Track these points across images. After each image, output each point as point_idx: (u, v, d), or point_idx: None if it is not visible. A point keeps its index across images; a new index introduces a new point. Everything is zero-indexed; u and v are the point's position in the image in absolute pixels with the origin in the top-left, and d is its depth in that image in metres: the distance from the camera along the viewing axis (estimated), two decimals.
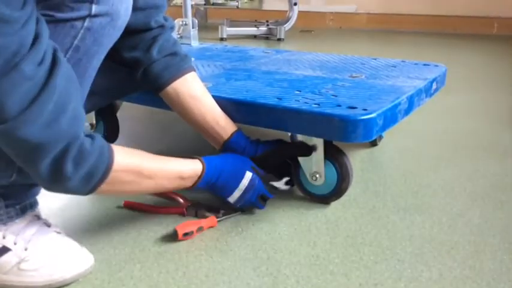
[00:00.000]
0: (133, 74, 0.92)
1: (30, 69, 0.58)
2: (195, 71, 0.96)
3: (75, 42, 0.67)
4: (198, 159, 0.85)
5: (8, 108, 0.57)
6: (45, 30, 0.61)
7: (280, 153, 0.96)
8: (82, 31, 0.67)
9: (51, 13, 0.62)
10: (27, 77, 0.57)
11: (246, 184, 0.87)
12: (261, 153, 0.94)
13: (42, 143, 0.61)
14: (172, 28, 0.95)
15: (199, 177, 0.83)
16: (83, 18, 0.66)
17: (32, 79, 0.58)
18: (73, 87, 0.65)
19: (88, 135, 0.68)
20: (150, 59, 0.90)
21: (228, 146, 0.94)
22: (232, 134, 0.94)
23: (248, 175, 0.88)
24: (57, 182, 0.66)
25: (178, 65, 0.92)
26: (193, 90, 0.93)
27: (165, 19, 0.93)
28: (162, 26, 0.91)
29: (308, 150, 0.93)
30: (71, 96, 0.64)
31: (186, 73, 0.93)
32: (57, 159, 0.63)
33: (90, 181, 0.68)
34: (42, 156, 0.62)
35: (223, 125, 0.94)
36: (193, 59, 1.36)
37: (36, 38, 0.58)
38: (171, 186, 0.82)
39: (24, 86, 0.57)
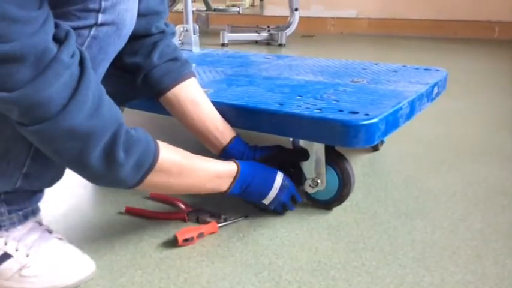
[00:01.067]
0: (134, 80, 0.92)
1: (67, 59, 0.60)
2: (195, 76, 0.96)
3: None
4: (233, 160, 0.87)
5: (53, 101, 0.59)
6: (69, 28, 0.63)
7: (278, 159, 0.96)
8: (88, 39, 0.67)
9: (58, 22, 0.63)
10: (66, 66, 0.60)
11: (280, 182, 0.89)
12: (259, 158, 0.95)
13: (91, 132, 0.63)
14: (173, 34, 0.96)
15: (235, 177, 0.85)
16: (90, 27, 0.67)
17: (70, 69, 0.60)
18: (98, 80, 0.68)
19: (132, 128, 0.71)
20: (150, 65, 0.90)
21: (227, 152, 0.94)
22: (231, 140, 0.95)
23: (280, 174, 0.90)
24: (111, 171, 0.67)
25: (179, 70, 0.93)
26: (193, 95, 0.94)
27: (166, 25, 0.94)
28: (163, 32, 0.92)
29: (306, 155, 0.94)
30: (101, 87, 0.67)
31: (187, 78, 0.93)
32: (108, 146, 0.65)
33: (141, 169, 0.70)
34: (93, 145, 0.64)
35: (222, 130, 0.95)
36: (194, 65, 1.38)
37: (67, 33, 0.61)
38: (209, 185, 0.83)
39: (64, 76, 0.60)
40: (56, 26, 0.61)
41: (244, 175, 0.86)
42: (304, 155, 0.94)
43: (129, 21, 0.72)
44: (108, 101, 0.67)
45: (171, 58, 0.92)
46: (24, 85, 0.57)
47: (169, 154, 0.75)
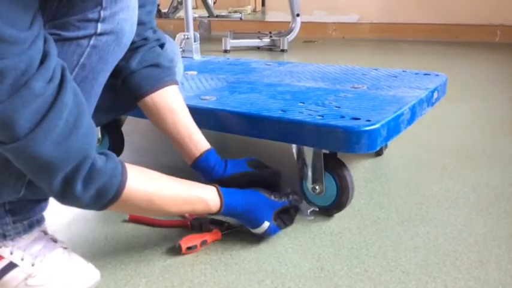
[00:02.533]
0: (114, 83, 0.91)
1: (40, 87, 0.58)
2: (177, 84, 0.95)
3: (82, 60, 0.68)
4: (219, 195, 0.84)
5: (19, 126, 0.58)
6: (53, 48, 0.62)
7: (248, 179, 0.93)
8: (88, 49, 0.68)
9: (58, 32, 0.63)
10: (37, 95, 0.58)
11: (261, 233, 0.88)
12: (229, 175, 0.93)
13: (53, 161, 0.62)
14: (158, 40, 0.94)
15: (214, 214, 0.84)
16: (89, 37, 0.67)
17: (42, 96, 0.59)
18: (82, 105, 0.66)
19: (103, 154, 0.69)
20: (128, 69, 0.89)
21: (198, 164, 0.93)
22: (203, 152, 0.92)
23: (265, 226, 0.87)
24: (69, 200, 0.67)
25: (159, 76, 0.91)
26: (171, 103, 0.92)
27: (154, 32, 0.93)
28: (145, 39, 0.91)
29: (277, 178, 0.94)
30: (81, 114, 0.65)
31: (166, 86, 0.92)
32: (67, 178, 0.64)
33: (100, 200, 0.69)
34: (53, 174, 0.63)
35: (196, 142, 0.93)
36: (196, 72, 1.39)
37: (45, 56, 0.60)
38: (181, 214, 0.83)
39: (34, 104, 0.58)
40: (42, 46, 0.60)
41: (228, 214, 0.85)
42: (276, 176, 0.94)
43: (129, 30, 0.72)
44: (83, 129, 0.64)
45: (152, 64, 0.91)
46: None
47: (140, 185, 0.73)
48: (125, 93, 0.93)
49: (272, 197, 0.88)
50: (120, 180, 0.69)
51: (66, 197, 0.66)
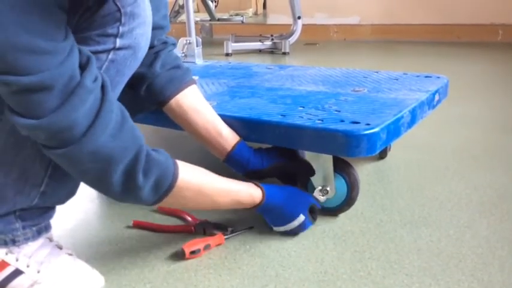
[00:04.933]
0: (136, 93, 0.93)
1: (91, 84, 0.63)
2: (196, 84, 0.98)
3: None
4: (260, 188, 0.87)
5: (78, 125, 0.62)
6: (90, 53, 0.66)
7: (286, 170, 0.97)
8: (106, 63, 0.70)
9: (79, 47, 0.65)
10: (90, 91, 0.63)
11: (295, 225, 0.90)
12: (267, 167, 0.96)
13: (113, 153, 0.66)
14: (174, 45, 0.98)
15: (257, 206, 0.86)
16: (108, 51, 0.69)
17: (93, 93, 0.64)
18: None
19: (153, 149, 0.73)
20: (153, 73, 0.92)
21: (231, 158, 0.95)
22: (234, 146, 0.96)
23: (300, 218, 0.90)
24: (130, 192, 0.70)
25: (181, 78, 0.95)
26: (195, 102, 0.95)
27: (166, 37, 0.96)
28: (164, 43, 0.94)
29: (311, 170, 0.95)
30: (124, 110, 0.70)
31: (189, 86, 0.95)
32: (128, 169, 0.68)
33: (159, 190, 0.72)
34: (115, 167, 0.67)
35: (226, 136, 0.96)
36: (197, 77, 1.39)
37: (88, 58, 0.65)
38: (228, 206, 0.85)
39: (89, 100, 0.63)
40: (78, 51, 0.64)
41: (267, 205, 0.87)
42: (311, 168, 0.95)
43: (144, 44, 0.74)
44: (130, 123, 0.70)
45: (173, 66, 0.94)
46: (52, 112, 0.60)
47: (190, 175, 0.77)
48: (148, 101, 0.95)
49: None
50: (174, 170, 0.74)
51: (129, 190, 0.69)
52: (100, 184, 0.70)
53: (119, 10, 0.68)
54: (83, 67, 0.63)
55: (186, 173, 0.76)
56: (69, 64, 0.61)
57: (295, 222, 0.90)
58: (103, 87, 0.65)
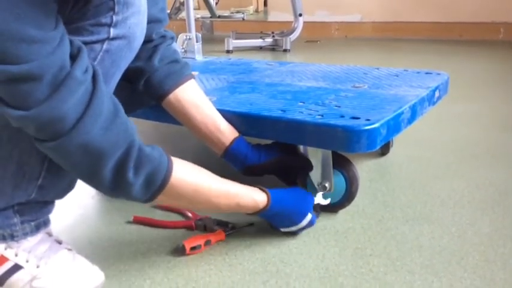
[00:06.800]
0: (135, 87, 0.93)
1: (81, 75, 0.61)
2: (194, 78, 0.97)
3: (95, 64, 0.69)
4: (266, 192, 0.84)
5: (67, 116, 0.61)
6: (81, 44, 0.65)
7: (284, 164, 0.96)
8: (101, 53, 0.69)
9: (71, 38, 0.64)
10: (80, 82, 0.61)
11: (304, 225, 0.89)
12: (264, 161, 0.95)
13: (103, 148, 0.64)
14: (172, 38, 0.96)
15: (260, 211, 0.84)
16: (102, 41, 0.68)
17: (84, 84, 0.62)
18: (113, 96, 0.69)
19: (148, 146, 0.71)
20: (152, 67, 0.91)
21: (229, 153, 0.94)
22: (233, 141, 0.94)
23: (308, 217, 0.89)
24: (121, 189, 0.68)
25: (180, 72, 0.94)
26: (194, 97, 0.95)
27: (165, 31, 0.95)
28: (163, 37, 0.93)
29: (309, 165, 0.95)
30: (117, 102, 0.68)
31: (187, 80, 0.94)
32: (118, 165, 0.66)
33: (150, 188, 0.70)
34: (105, 162, 0.65)
35: (224, 131, 0.95)
36: (197, 72, 1.38)
37: (79, 49, 0.63)
38: (228, 209, 0.82)
39: (79, 91, 0.61)
40: (69, 42, 0.63)
41: (273, 209, 0.85)
42: (309, 163, 0.95)
43: (140, 34, 0.73)
44: (123, 117, 0.68)
45: (172, 60, 0.93)
46: (41, 103, 0.59)
47: (184, 174, 0.74)
48: (146, 95, 0.93)
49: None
50: (167, 167, 0.71)
51: (118, 185, 0.68)
52: (91, 179, 0.68)
53: None
54: (74, 58, 0.62)
55: (181, 170, 0.73)
56: (59, 54, 0.60)
57: (304, 222, 0.88)
58: (94, 78, 0.64)
